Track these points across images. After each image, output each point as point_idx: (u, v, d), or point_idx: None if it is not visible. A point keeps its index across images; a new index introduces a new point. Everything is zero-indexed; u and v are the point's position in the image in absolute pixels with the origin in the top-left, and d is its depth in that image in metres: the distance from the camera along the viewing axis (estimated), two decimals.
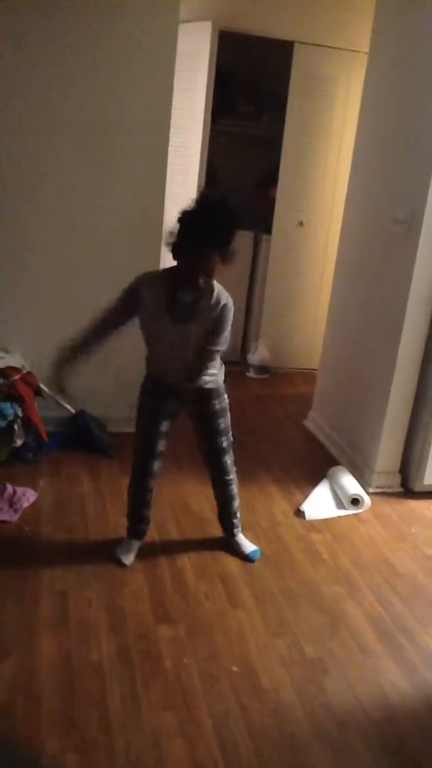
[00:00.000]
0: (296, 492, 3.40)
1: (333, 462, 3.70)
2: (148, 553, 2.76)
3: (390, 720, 2.10)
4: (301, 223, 4.83)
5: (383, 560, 2.91)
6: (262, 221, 4.87)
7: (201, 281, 2.27)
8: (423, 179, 3.10)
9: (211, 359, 2.45)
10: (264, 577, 2.70)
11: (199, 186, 4.48)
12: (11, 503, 2.97)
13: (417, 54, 3.21)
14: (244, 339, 5.20)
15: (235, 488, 2.77)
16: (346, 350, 3.83)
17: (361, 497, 3.28)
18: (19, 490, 3.05)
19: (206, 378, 2.50)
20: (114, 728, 1.94)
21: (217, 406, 2.59)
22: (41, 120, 3.25)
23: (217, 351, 2.45)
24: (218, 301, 2.36)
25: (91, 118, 3.31)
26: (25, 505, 2.99)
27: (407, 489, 3.50)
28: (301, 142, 4.67)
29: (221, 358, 2.56)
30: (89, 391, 3.63)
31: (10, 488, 3.03)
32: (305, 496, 3.34)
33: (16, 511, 2.94)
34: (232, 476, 2.74)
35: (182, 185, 4.41)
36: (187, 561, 2.75)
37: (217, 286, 2.37)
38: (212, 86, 4.41)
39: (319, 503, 3.30)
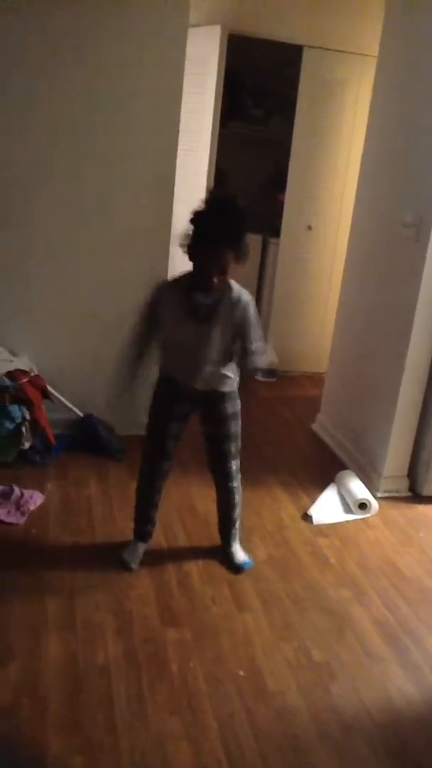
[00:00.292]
0: (303, 496, 3.39)
1: (341, 466, 3.70)
2: (154, 556, 2.76)
3: (395, 724, 2.09)
4: (309, 227, 4.83)
5: (390, 564, 2.90)
6: (270, 225, 4.88)
7: (215, 280, 2.28)
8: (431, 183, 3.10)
9: (257, 356, 2.48)
10: (270, 581, 2.70)
11: (207, 189, 4.49)
12: (18, 506, 2.99)
13: (426, 58, 3.21)
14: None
15: (238, 497, 2.75)
16: (354, 353, 3.82)
17: (369, 502, 3.28)
18: (27, 492, 3.06)
19: (225, 380, 2.51)
20: (119, 730, 1.94)
21: (230, 410, 2.59)
22: (48, 122, 3.27)
23: (258, 349, 2.48)
24: (239, 299, 2.38)
25: (99, 120, 3.32)
26: (32, 507, 3.00)
27: (415, 493, 3.49)
28: (309, 145, 4.67)
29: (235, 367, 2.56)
30: (97, 394, 3.65)
31: (17, 491, 3.05)
32: (312, 500, 3.34)
33: (23, 513, 2.95)
34: (237, 484, 2.73)
35: (191, 188, 4.42)
36: (193, 564, 2.75)
37: (235, 285, 2.39)
38: (221, 89, 4.43)
39: (327, 507, 3.29)
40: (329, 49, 4.49)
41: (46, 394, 3.47)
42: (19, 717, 1.95)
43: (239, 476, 2.73)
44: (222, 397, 2.56)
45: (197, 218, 2.28)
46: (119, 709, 2.01)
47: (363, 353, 3.71)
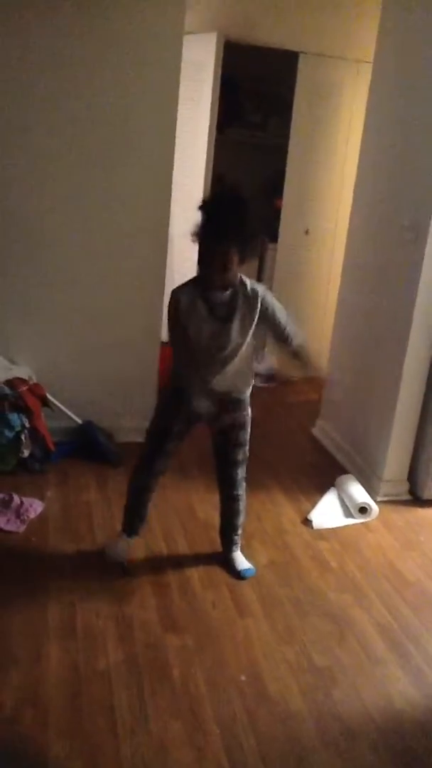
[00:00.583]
0: (304, 500, 3.39)
1: (341, 470, 3.69)
2: (155, 561, 2.76)
3: (398, 728, 2.09)
4: (306, 231, 4.85)
5: (391, 568, 2.90)
6: (268, 229, 4.89)
7: (226, 271, 2.28)
8: (429, 186, 3.11)
9: (296, 329, 2.50)
10: (271, 585, 2.69)
11: (205, 194, 4.51)
12: (18, 514, 2.98)
13: (420, 62, 3.22)
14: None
15: (242, 504, 2.75)
16: (353, 358, 3.82)
17: (369, 506, 3.27)
18: (26, 500, 3.06)
19: (247, 382, 2.52)
20: (121, 735, 1.93)
21: (241, 418, 2.58)
22: (46, 126, 3.27)
23: (293, 329, 2.48)
24: (254, 291, 2.38)
25: (96, 126, 3.33)
26: (32, 515, 3.00)
27: (415, 497, 3.49)
28: (306, 150, 4.69)
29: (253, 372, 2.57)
30: (96, 401, 3.66)
31: (17, 499, 3.04)
32: (313, 505, 3.34)
33: (23, 521, 2.95)
34: (241, 492, 2.72)
35: (189, 193, 4.43)
36: (194, 569, 2.74)
37: (247, 279, 2.39)
38: (218, 95, 4.45)
39: (327, 512, 3.29)
40: (325, 55, 4.52)
41: (45, 402, 3.47)
42: (21, 723, 1.95)
43: (244, 484, 2.72)
44: (236, 404, 2.54)
45: (204, 207, 2.29)
46: (120, 714, 2.01)
47: (362, 357, 3.71)
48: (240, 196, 2.30)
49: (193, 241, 2.31)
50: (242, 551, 2.82)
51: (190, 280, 2.42)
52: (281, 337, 2.50)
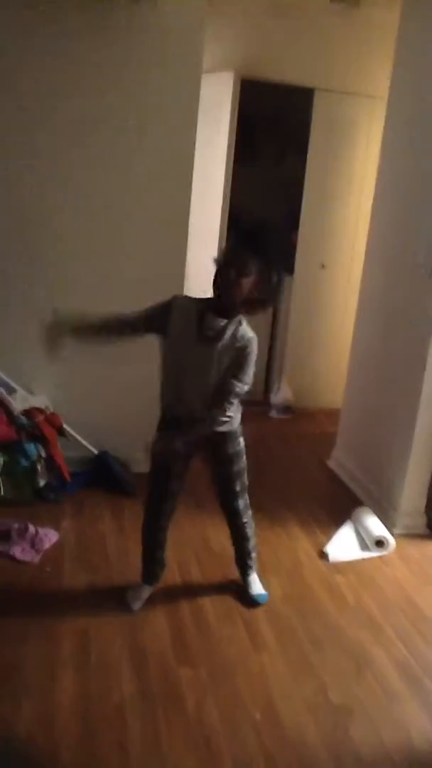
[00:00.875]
0: (319, 533, 3.36)
1: (357, 502, 3.66)
2: (169, 593, 2.74)
3: (417, 767, 2.03)
4: (322, 265, 4.88)
5: (409, 603, 2.85)
6: (284, 263, 4.93)
7: (237, 295, 2.28)
8: None
9: (233, 397, 2.40)
10: (287, 619, 2.66)
11: (221, 228, 4.56)
12: (33, 544, 2.98)
13: None
14: (267, 379, 5.21)
15: (249, 530, 2.74)
16: (369, 390, 3.82)
17: (386, 539, 3.24)
18: (41, 530, 3.05)
19: (223, 419, 2.45)
20: None
21: (231, 450, 2.55)
22: (66, 162, 3.34)
23: (240, 389, 2.39)
24: (245, 334, 2.36)
25: (116, 163, 3.40)
26: (47, 545, 2.99)
27: None
28: (322, 185, 4.75)
29: (240, 400, 2.51)
30: (111, 432, 3.67)
31: (32, 528, 3.04)
32: (329, 537, 3.31)
33: (38, 551, 2.94)
34: (246, 519, 2.71)
35: (206, 228, 4.49)
36: (208, 601, 2.72)
37: (244, 321, 2.38)
38: (235, 132, 4.52)
39: (343, 545, 3.26)
40: (340, 92, 4.59)
41: (61, 432, 3.49)
42: (34, 754, 1.92)
43: (249, 511, 2.71)
44: (223, 437, 2.52)
45: (232, 236, 2.34)
46: (134, 749, 1.97)
47: (378, 389, 3.70)
48: (260, 228, 2.35)
49: (214, 263, 2.33)
50: (259, 577, 2.81)
51: (196, 298, 2.42)
52: (223, 386, 2.39)
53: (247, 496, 2.68)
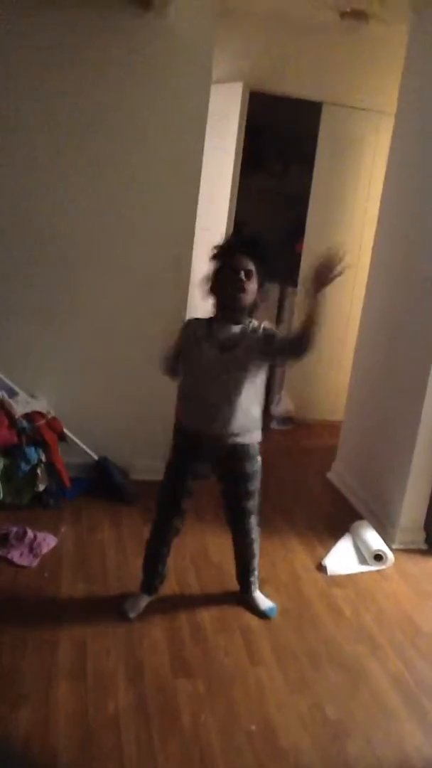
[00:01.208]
0: (318, 546, 3.35)
1: (356, 516, 3.66)
2: (167, 604, 2.73)
3: None
4: None
5: (407, 619, 2.84)
6: (288, 274, 4.94)
7: (240, 296, 2.33)
8: None
9: (285, 344, 2.41)
10: (284, 633, 2.65)
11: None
12: (31, 548, 2.97)
13: None
14: (268, 390, 5.20)
15: (256, 548, 2.74)
16: (370, 403, 3.82)
17: (385, 553, 3.23)
18: (39, 535, 3.05)
19: (248, 427, 2.47)
20: None
21: (249, 469, 2.55)
22: (71, 168, 3.36)
23: (281, 341, 2.40)
24: (258, 325, 2.40)
25: (124, 174, 3.42)
26: (45, 550, 2.98)
27: (431, 545, 3.44)
28: (327, 199, 4.76)
29: (259, 418, 2.53)
30: (112, 438, 3.67)
31: (30, 533, 3.03)
32: (327, 550, 3.30)
33: (36, 556, 2.93)
34: (255, 536, 2.71)
35: (210, 239, 4.50)
36: (206, 614, 2.71)
37: (256, 321, 2.42)
38: (242, 143, 4.54)
39: (342, 558, 3.25)
40: (348, 106, 4.61)
41: (62, 437, 3.49)
42: (29, 764, 1.91)
43: (258, 528, 2.71)
44: (242, 453, 2.52)
45: (222, 247, 2.38)
46: (129, 760, 1.96)
47: (380, 403, 3.70)
48: (260, 236, 2.40)
49: (207, 291, 2.38)
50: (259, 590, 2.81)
51: (204, 317, 2.47)
52: (281, 349, 2.43)
53: (257, 516, 2.68)
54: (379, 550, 3.23)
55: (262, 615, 2.73)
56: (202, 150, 3.49)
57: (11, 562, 2.87)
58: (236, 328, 2.39)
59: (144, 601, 2.69)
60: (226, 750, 2.05)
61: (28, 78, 3.20)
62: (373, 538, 3.31)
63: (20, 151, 3.28)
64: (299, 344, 2.35)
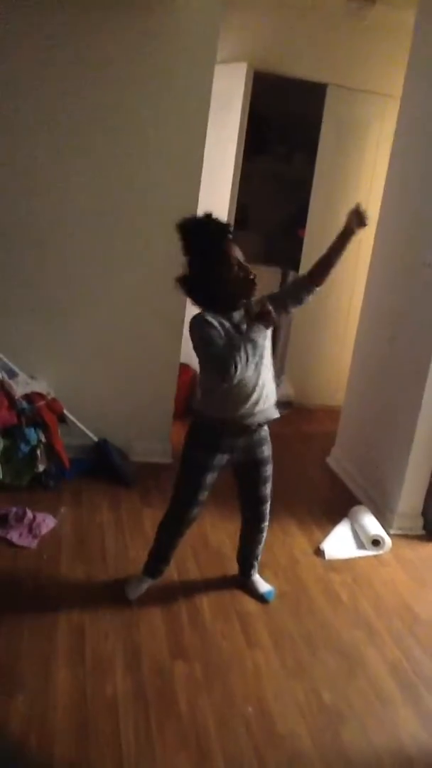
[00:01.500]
0: (316, 530, 3.36)
1: (354, 501, 3.67)
2: (165, 589, 2.74)
3: None
4: None
5: (404, 605, 2.86)
6: (290, 259, 4.91)
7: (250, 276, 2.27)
8: None
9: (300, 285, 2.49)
10: (282, 618, 2.66)
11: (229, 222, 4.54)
12: (30, 529, 2.98)
13: None
14: None
15: (265, 534, 2.75)
16: (370, 389, 3.81)
17: (382, 538, 3.24)
18: (39, 516, 3.05)
19: (271, 401, 2.48)
20: (126, 767, 1.90)
21: (267, 453, 2.57)
22: (74, 162, 3.34)
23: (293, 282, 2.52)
24: (261, 296, 2.38)
25: (123, 153, 3.38)
26: (44, 531, 2.99)
27: (429, 532, 3.45)
28: (331, 183, 4.72)
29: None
30: (112, 420, 3.67)
31: (30, 514, 3.04)
32: (325, 535, 3.31)
33: (35, 537, 2.94)
34: (266, 523, 2.72)
35: None
36: (204, 598, 2.72)
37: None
38: (245, 126, 4.48)
39: (340, 543, 3.26)
40: (353, 89, 4.55)
41: (62, 418, 3.48)
42: (27, 749, 1.92)
43: (269, 516, 2.72)
44: (261, 439, 2.52)
45: (189, 245, 2.26)
46: (126, 744, 1.98)
47: (380, 389, 3.69)
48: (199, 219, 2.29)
49: (185, 289, 2.32)
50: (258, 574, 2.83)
51: (203, 312, 2.31)
52: (293, 292, 2.47)
53: (270, 501, 2.68)
54: (377, 536, 3.24)
55: (261, 598, 2.74)
56: (205, 132, 3.44)
57: (11, 543, 2.88)
58: (240, 312, 2.34)
59: (146, 583, 2.70)
60: (222, 734, 2.07)
61: (29, 49, 3.15)
62: (371, 524, 3.32)
63: (21, 137, 3.24)
64: (313, 279, 2.50)
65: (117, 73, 3.26)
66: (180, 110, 3.38)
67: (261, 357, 2.36)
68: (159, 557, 2.69)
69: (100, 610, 2.54)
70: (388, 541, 3.26)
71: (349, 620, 2.71)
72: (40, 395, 3.40)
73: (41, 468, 3.33)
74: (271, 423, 2.54)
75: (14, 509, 3.06)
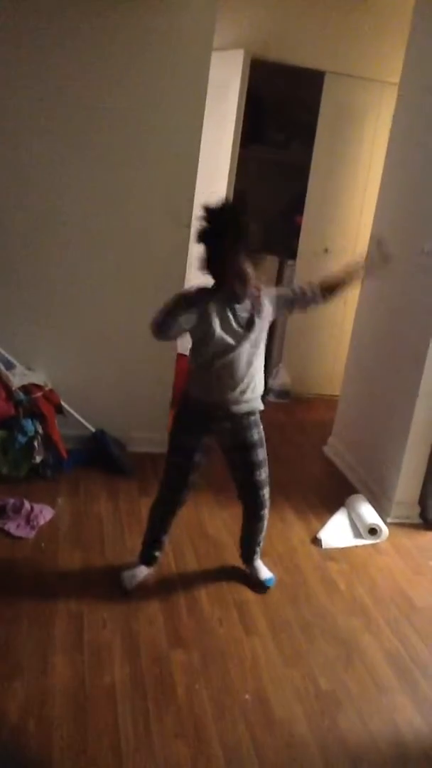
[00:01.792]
0: (313, 519, 3.37)
1: (351, 490, 3.68)
2: (163, 577, 2.75)
3: (403, 758, 2.06)
4: (326, 250, 4.85)
5: (401, 593, 2.87)
6: (287, 246, 4.90)
7: (248, 285, 2.28)
8: None
9: (306, 289, 2.54)
10: (279, 606, 2.68)
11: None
12: (28, 520, 2.98)
13: None
14: (266, 364, 5.19)
15: (266, 521, 2.73)
16: (368, 378, 3.81)
17: (379, 527, 3.25)
18: (36, 507, 3.06)
19: (259, 394, 2.48)
20: (125, 753, 1.92)
21: (256, 436, 2.54)
22: (69, 148, 3.31)
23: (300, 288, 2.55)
24: (266, 292, 2.40)
25: (121, 142, 3.36)
26: (42, 522, 3.00)
27: (426, 521, 3.46)
28: (328, 170, 4.70)
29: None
30: (109, 411, 3.67)
31: (27, 505, 3.04)
32: (322, 524, 3.32)
33: (32, 527, 2.95)
34: (267, 509, 2.70)
35: None
36: (202, 586, 2.73)
37: (262, 292, 2.37)
38: (242, 113, 4.46)
39: (337, 531, 3.27)
40: (351, 75, 4.53)
41: (59, 409, 3.48)
42: (25, 736, 1.93)
43: (269, 502, 2.69)
44: (248, 423, 2.51)
45: (206, 230, 2.26)
46: (125, 733, 1.99)
47: (377, 378, 3.70)
48: (232, 205, 2.37)
49: (203, 269, 2.29)
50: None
51: (207, 290, 2.31)
52: (303, 300, 2.53)
53: (269, 487, 2.66)
54: (374, 524, 3.25)
55: (261, 584, 2.75)
56: (202, 118, 3.42)
57: (8, 534, 2.89)
58: (248, 306, 2.34)
59: (142, 572, 2.70)
60: (219, 721, 2.08)
61: (24, 33, 3.13)
62: (368, 512, 3.33)
63: (16, 123, 3.22)
64: (324, 298, 2.60)
65: (113, 60, 3.24)
66: (177, 98, 3.36)
67: (255, 347, 2.38)
68: (151, 541, 2.70)
69: (98, 598, 2.55)
70: (385, 529, 3.27)
71: (346, 608, 2.73)
72: (38, 386, 3.40)
73: (39, 459, 3.34)
74: (257, 413, 2.54)
75: (12, 500, 3.06)
